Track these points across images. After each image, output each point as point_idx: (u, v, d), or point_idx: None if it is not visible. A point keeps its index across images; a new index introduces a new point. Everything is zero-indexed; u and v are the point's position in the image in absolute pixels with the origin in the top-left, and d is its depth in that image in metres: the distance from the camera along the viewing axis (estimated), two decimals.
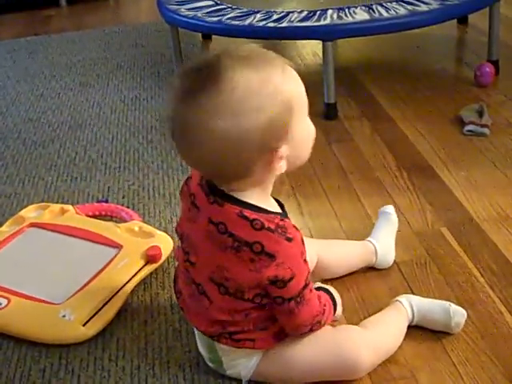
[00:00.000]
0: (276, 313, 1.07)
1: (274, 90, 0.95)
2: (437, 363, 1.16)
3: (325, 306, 1.13)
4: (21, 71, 2.79)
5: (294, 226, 1.03)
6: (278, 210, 1.07)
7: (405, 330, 1.21)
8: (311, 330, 1.11)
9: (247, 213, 1.00)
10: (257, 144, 0.95)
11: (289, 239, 1.00)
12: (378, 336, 1.16)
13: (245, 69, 0.94)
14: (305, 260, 1.04)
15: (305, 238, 1.18)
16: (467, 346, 1.19)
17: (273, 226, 1.00)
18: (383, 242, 1.41)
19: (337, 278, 1.37)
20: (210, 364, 1.17)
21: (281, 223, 1.01)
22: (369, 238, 1.42)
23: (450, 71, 2.42)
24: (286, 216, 1.07)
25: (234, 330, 1.08)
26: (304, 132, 1.02)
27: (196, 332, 1.17)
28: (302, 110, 1.00)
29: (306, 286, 1.04)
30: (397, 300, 1.24)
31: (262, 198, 1.03)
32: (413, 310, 1.22)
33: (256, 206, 1.01)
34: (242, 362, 1.13)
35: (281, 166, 1.00)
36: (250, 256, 0.99)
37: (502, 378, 1.12)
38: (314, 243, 1.31)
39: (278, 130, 0.96)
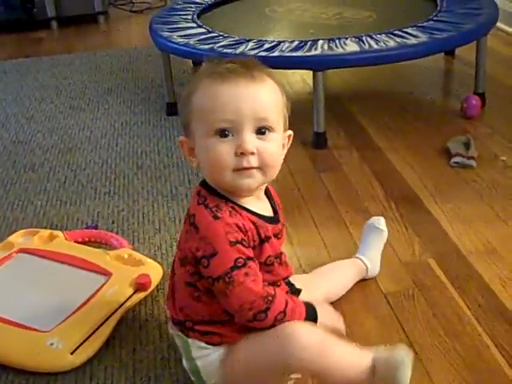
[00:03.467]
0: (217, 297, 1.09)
1: (201, 89, 1.06)
2: None
3: (289, 309, 1.10)
4: (11, 93, 2.79)
5: (240, 217, 1.06)
6: (254, 208, 1.10)
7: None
8: (272, 325, 1.09)
9: (203, 191, 1.10)
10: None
11: (215, 217, 1.05)
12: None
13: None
14: (232, 243, 1.04)
15: (312, 278, 1.35)
16: (454, 379, 1.20)
17: (211, 205, 1.07)
18: (372, 258, 1.47)
19: None
20: (193, 378, 1.17)
21: (221, 205, 1.07)
22: (358, 255, 1.47)
23: (437, 102, 2.46)
24: (268, 220, 1.11)
25: (196, 318, 1.12)
26: (202, 148, 1.07)
27: (176, 340, 1.19)
28: (201, 122, 1.06)
29: (236, 267, 1.04)
30: None
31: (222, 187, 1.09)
32: None
33: (215, 190, 1.09)
34: (213, 370, 1.13)
35: (191, 159, 1.11)
36: (187, 227, 1.10)
37: None
38: (322, 286, 1.37)
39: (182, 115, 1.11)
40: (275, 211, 1.17)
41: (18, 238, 1.62)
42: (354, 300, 1.41)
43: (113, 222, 1.76)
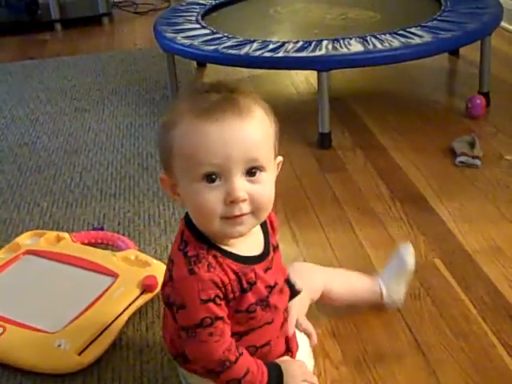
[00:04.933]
0: None
1: (183, 126, 0.97)
2: None
3: (247, 380, 1.04)
4: (16, 95, 2.80)
5: (220, 269, 0.99)
6: (241, 251, 1.03)
7: None
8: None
9: (186, 233, 1.03)
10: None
11: (191, 271, 0.98)
12: None
13: None
14: (203, 301, 0.98)
15: (317, 267, 1.26)
16: (460, 379, 1.20)
17: (190, 253, 1.00)
18: (389, 286, 1.36)
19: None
20: None
21: (201, 256, 0.99)
22: (379, 278, 1.37)
23: (441, 102, 2.46)
24: (255, 261, 1.04)
25: (184, 353, 1.08)
26: (187, 192, 0.99)
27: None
28: (185, 163, 0.97)
29: (201, 326, 0.99)
30: None
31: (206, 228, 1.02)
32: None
33: (199, 232, 1.02)
34: None
35: (174, 197, 1.04)
36: (166, 269, 1.06)
37: None
38: (324, 273, 1.34)
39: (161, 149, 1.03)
40: (266, 240, 1.09)
41: (24, 240, 1.62)
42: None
43: (119, 224, 1.76)
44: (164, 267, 1.47)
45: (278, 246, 1.13)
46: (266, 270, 1.06)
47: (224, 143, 0.94)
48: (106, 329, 1.33)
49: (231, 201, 0.95)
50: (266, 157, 0.99)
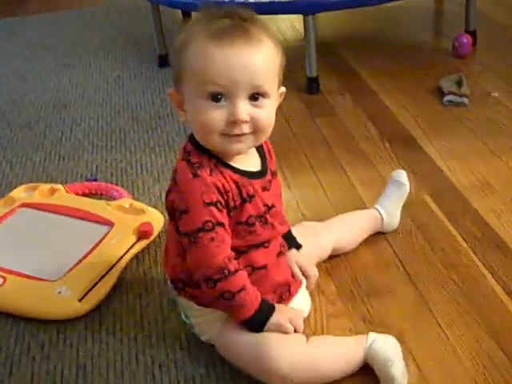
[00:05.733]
0: None
1: (195, 47, 1.02)
2: (423, 325, 1.21)
3: (241, 295, 1.06)
4: (0, 53, 2.78)
5: (221, 176, 1.05)
6: (240, 165, 1.08)
7: (354, 363, 1.11)
8: (217, 298, 1.07)
9: (188, 146, 1.09)
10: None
11: (195, 174, 1.04)
12: (311, 358, 1.09)
13: None
14: (206, 204, 1.03)
15: (320, 225, 1.31)
16: (452, 308, 1.24)
17: (193, 160, 1.06)
18: (389, 210, 1.43)
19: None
20: (192, 330, 1.20)
21: (203, 162, 1.05)
22: (376, 206, 1.44)
23: (428, 42, 2.46)
24: (253, 176, 1.09)
25: (185, 278, 1.13)
26: (192, 108, 1.04)
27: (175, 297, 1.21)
28: (193, 81, 1.02)
29: (203, 229, 1.03)
30: None
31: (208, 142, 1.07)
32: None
33: (201, 145, 1.07)
34: (205, 328, 1.17)
35: (180, 112, 1.08)
36: (171, 180, 1.10)
37: (487, 336, 1.17)
38: (329, 231, 1.36)
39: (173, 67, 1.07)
40: (263, 162, 1.14)
41: (19, 194, 1.64)
42: None
43: (111, 175, 1.78)
44: (158, 214, 1.51)
45: (275, 173, 1.18)
46: (263, 189, 1.11)
47: (230, 67, 0.99)
48: (104, 275, 1.35)
49: (233, 121, 1.01)
50: (270, 85, 1.04)
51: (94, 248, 1.42)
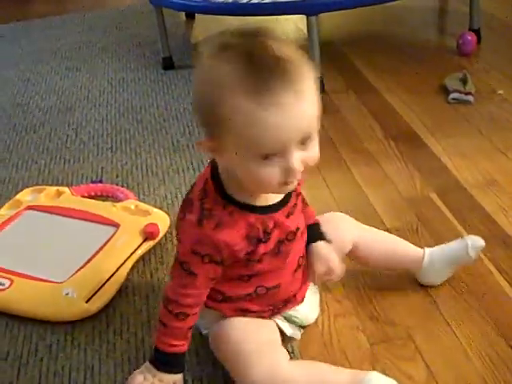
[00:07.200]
0: None
1: (234, 107, 0.90)
2: (431, 322, 1.21)
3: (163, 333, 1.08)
4: (5, 57, 2.79)
5: (228, 230, 1.00)
6: (262, 202, 1.03)
7: None
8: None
9: (209, 185, 1.03)
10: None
11: (199, 222, 1.00)
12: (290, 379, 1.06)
13: None
14: (193, 253, 1.01)
15: (349, 218, 1.27)
16: (459, 305, 1.23)
17: (206, 206, 1.01)
18: (436, 261, 1.27)
19: None
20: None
21: (214, 211, 1.00)
22: (428, 250, 1.29)
23: (432, 41, 2.46)
24: (274, 209, 1.04)
25: None
26: (240, 165, 0.96)
27: None
28: (238, 143, 0.92)
29: (183, 267, 1.04)
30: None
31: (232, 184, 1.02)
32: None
33: (221, 185, 1.02)
34: (207, 328, 1.17)
35: (217, 158, 1.01)
36: (182, 208, 1.07)
37: (493, 333, 1.16)
38: (357, 226, 1.29)
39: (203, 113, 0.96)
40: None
41: (25, 196, 1.64)
42: None
43: (117, 176, 1.78)
44: (164, 215, 1.51)
45: (300, 193, 1.14)
46: (287, 216, 1.07)
47: (282, 131, 0.91)
48: (111, 276, 1.35)
49: (290, 174, 0.95)
50: (316, 125, 0.97)
51: (101, 249, 1.42)
